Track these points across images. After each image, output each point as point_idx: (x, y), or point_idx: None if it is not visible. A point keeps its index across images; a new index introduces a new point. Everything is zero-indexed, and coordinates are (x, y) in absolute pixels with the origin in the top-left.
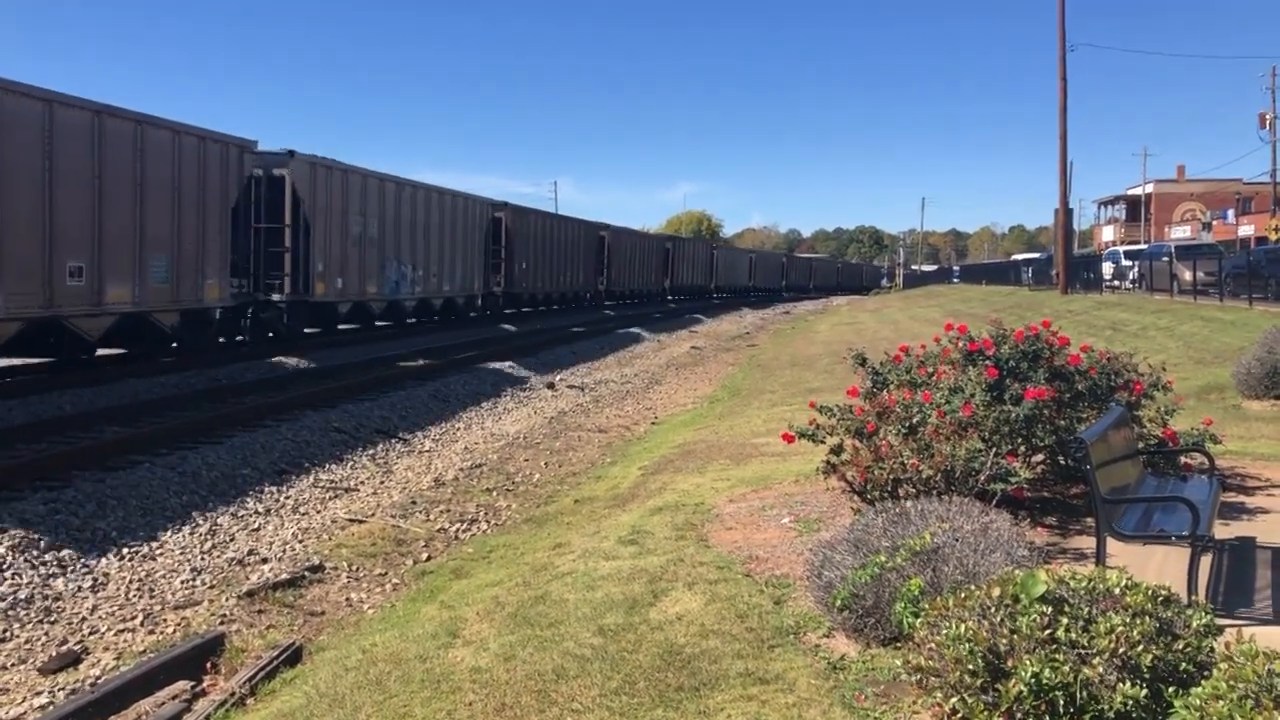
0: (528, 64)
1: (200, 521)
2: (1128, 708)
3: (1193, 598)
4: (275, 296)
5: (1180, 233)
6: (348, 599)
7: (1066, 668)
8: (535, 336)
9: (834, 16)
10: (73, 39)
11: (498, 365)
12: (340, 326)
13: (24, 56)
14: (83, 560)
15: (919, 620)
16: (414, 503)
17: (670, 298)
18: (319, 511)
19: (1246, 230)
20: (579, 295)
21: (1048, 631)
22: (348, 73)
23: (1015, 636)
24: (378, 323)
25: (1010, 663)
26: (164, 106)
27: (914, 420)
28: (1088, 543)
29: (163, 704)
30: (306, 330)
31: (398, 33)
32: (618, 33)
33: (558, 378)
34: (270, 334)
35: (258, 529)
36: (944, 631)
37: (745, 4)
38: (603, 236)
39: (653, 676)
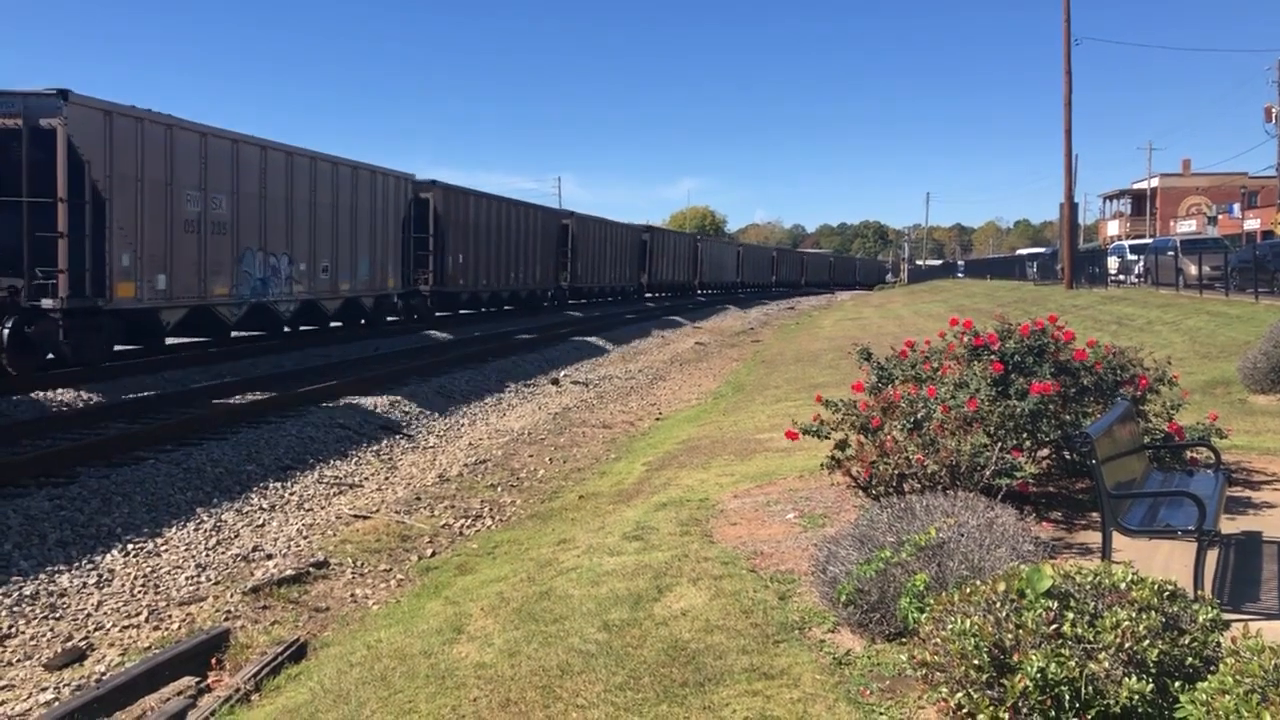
0: (530, 62)
1: (205, 518)
2: (1134, 703)
3: (1199, 592)
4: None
5: (1186, 227)
6: (352, 595)
7: (1072, 663)
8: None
9: (838, 11)
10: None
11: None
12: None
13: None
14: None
15: (924, 615)
16: (418, 498)
17: (648, 295)
18: (324, 507)
19: (1252, 224)
20: (536, 295)
21: (1053, 626)
22: (345, 71)
23: (1021, 631)
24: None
25: (1016, 658)
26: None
27: (919, 415)
28: (1093, 538)
29: (168, 700)
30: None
31: (399, 31)
32: (621, 29)
33: (562, 373)
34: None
35: (262, 525)
36: (949, 626)
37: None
38: (566, 225)
39: (657, 672)
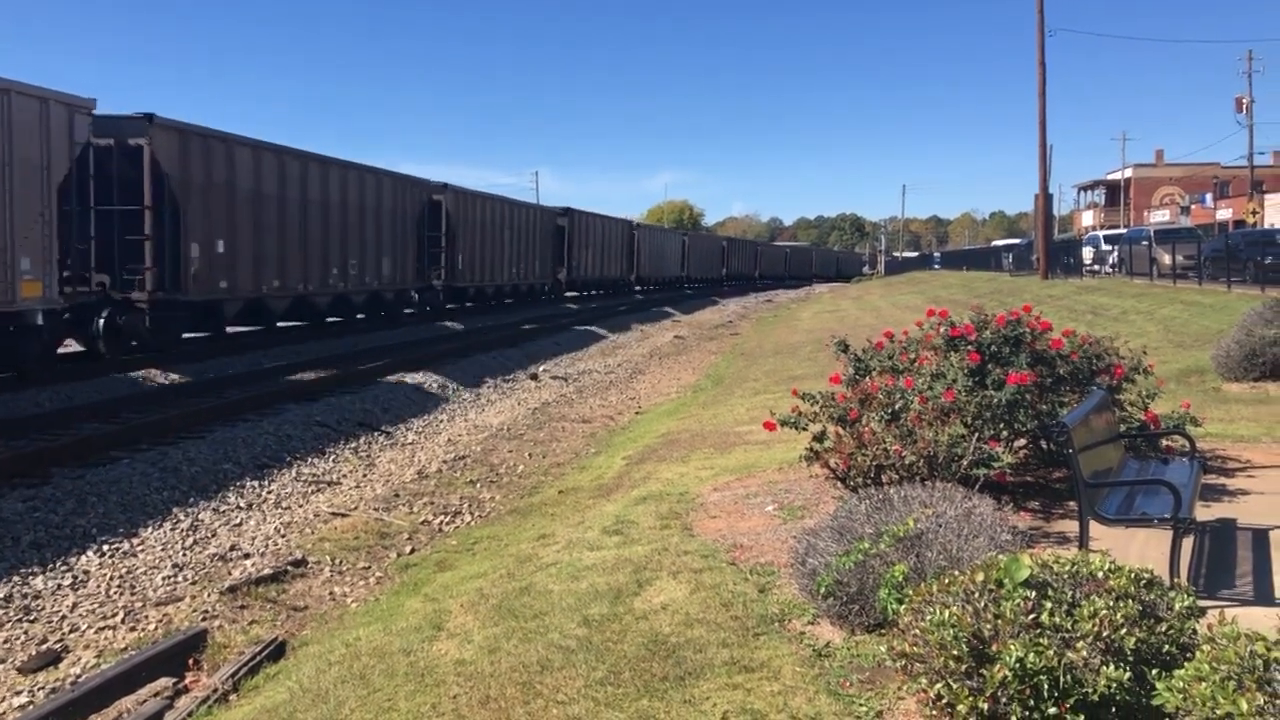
0: (505, 54)
1: (181, 517)
2: (1111, 690)
3: (1175, 580)
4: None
5: (1159, 217)
6: (331, 593)
7: (1051, 652)
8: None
9: (814, 4)
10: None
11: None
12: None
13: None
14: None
15: (903, 606)
16: (397, 495)
17: (638, 289)
18: (301, 505)
19: (1225, 214)
20: (535, 288)
21: (1032, 616)
22: (317, 63)
23: (999, 621)
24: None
25: (995, 647)
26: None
27: (896, 406)
28: (1070, 526)
29: (144, 701)
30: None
31: (370, 22)
32: (596, 21)
33: (541, 368)
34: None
35: (240, 524)
36: (928, 617)
37: None
38: (562, 225)
39: (638, 666)
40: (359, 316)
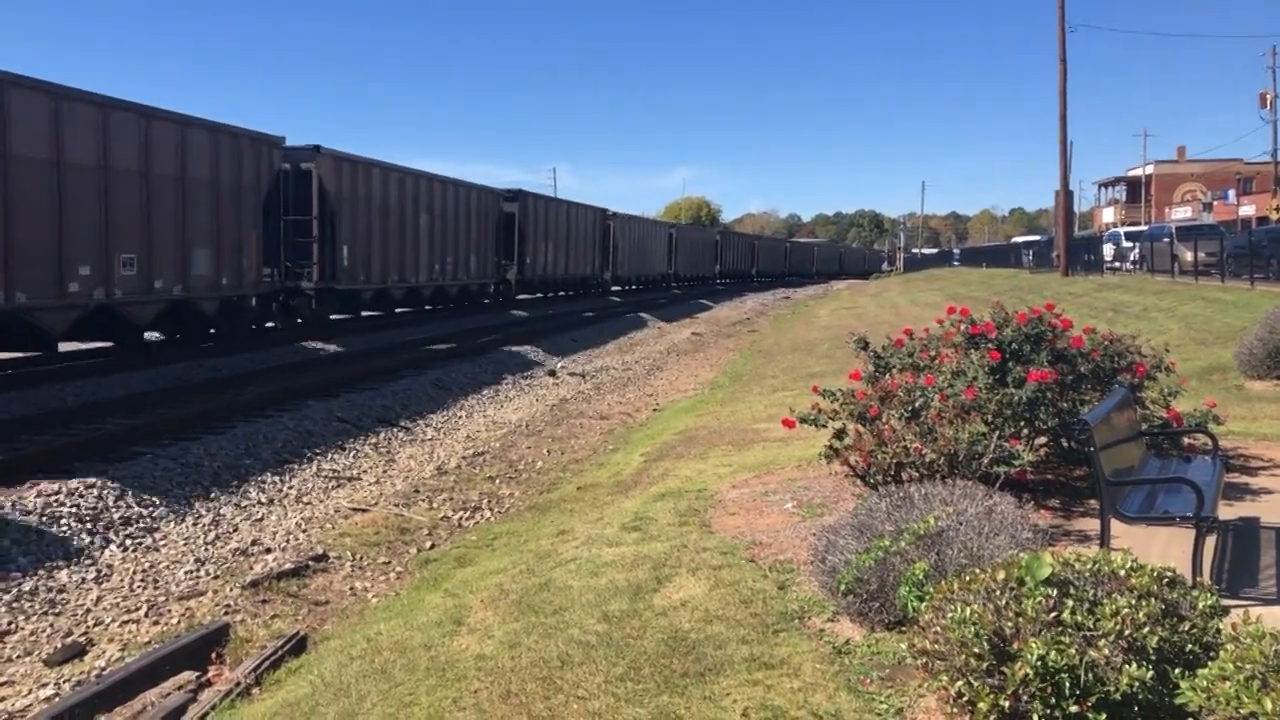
0: (524, 51)
1: (203, 512)
2: (1134, 689)
3: (1198, 579)
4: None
5: (1181, 214)
6: (352, 588)
7: (1072, 650)
8: (547, 321)
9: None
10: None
11: (519, 349)
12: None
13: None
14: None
15: (924, 604)
16: (417, 491)
17: (719, 281)
18: (322, 501)
19: (1248, 210)
20: (587, 280)
21: (1053, 614)
22: (339, 61)
23: (1021, 619)
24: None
25: (1016, 645)
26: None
27: (916, 404)
28: (1092, 525)
29: (168, 694)
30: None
31: (389, 21)
32: (614, 18)
33: (559, 364)
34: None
35: (261, 519)
36: (949, 615)
37: None
38: (671, 233)
39: (658, 662)
40: (450, 305)
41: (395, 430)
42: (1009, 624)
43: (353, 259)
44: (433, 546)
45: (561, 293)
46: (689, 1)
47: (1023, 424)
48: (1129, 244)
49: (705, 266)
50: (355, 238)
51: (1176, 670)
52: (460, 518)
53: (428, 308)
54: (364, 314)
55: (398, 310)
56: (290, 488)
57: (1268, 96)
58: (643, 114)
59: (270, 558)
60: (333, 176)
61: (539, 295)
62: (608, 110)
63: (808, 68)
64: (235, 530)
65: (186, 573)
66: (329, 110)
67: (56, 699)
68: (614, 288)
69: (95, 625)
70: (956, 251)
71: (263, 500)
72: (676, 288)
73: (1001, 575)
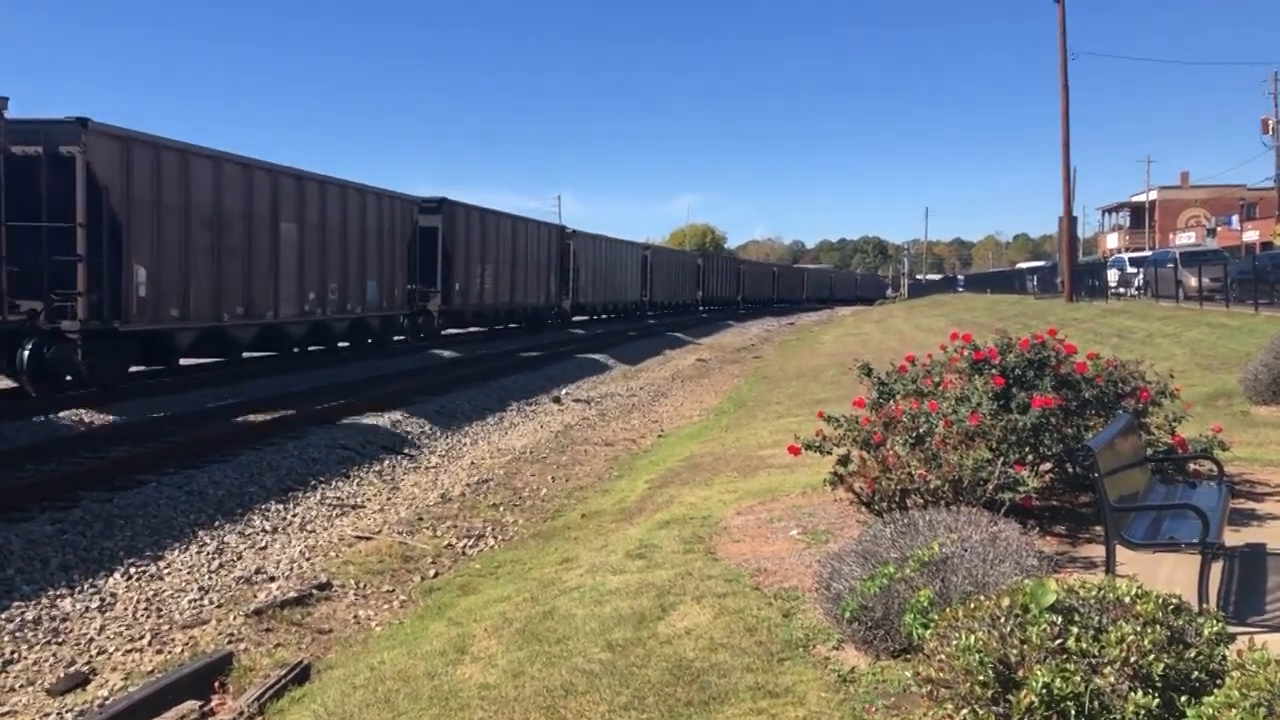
0: (527, 78)
1: (207, 540)
2: (1139, 717)
3: (1203, 606)
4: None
5: (1185, 239)
6: (355, 616)
7: (1078, 677)
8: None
9: (836, 26)
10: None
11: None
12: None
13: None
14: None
15: (928, 631)
16: (421, 519)
17: (702, 309)
18: (326, 529)
19: (1251, 236)
20: (539, 312)
21: (1058, 641)
22: (344, 88)
23: (1025, 646)
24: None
25: (1021, 673)
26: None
27: (921, 430)
28: (1097, 551)
29: None
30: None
31: (392, 48)
32: (618, 45)
33: (563, 391)
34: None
35: (265, 547)
36: (954, 642)
37: (745, 14)
38: (645, 255)
39: (662, 691)
40: (513, 325)
41: (399, 457)
42: (1014, 651)
43: (154, 286)
44: (436, 575)
45: (510, 325)
46: (693, 29)
47: (1027, 450)
48: (1133, 269)
49: (685, 293)
50: (159, 255)
51: (1182, 698)
52: (464, 545)
53: (297, 350)
54: (184, 363)
55: (245, 356)
56: (294, 515)
57: (1270, 122)
58: (646, 139)
59: (274, 586)
60: (113, 166)
61: (475, 330)
62: (610, 136)
63: (813, 93)
64: (239, 558)
65: (190, 601)
66: (315, 133)
67: None
68: (575, 318)
69: (99, 654)
70: (961, 277)
71: (266, 529)
72: (652, 317)
73: (1006, 602)
